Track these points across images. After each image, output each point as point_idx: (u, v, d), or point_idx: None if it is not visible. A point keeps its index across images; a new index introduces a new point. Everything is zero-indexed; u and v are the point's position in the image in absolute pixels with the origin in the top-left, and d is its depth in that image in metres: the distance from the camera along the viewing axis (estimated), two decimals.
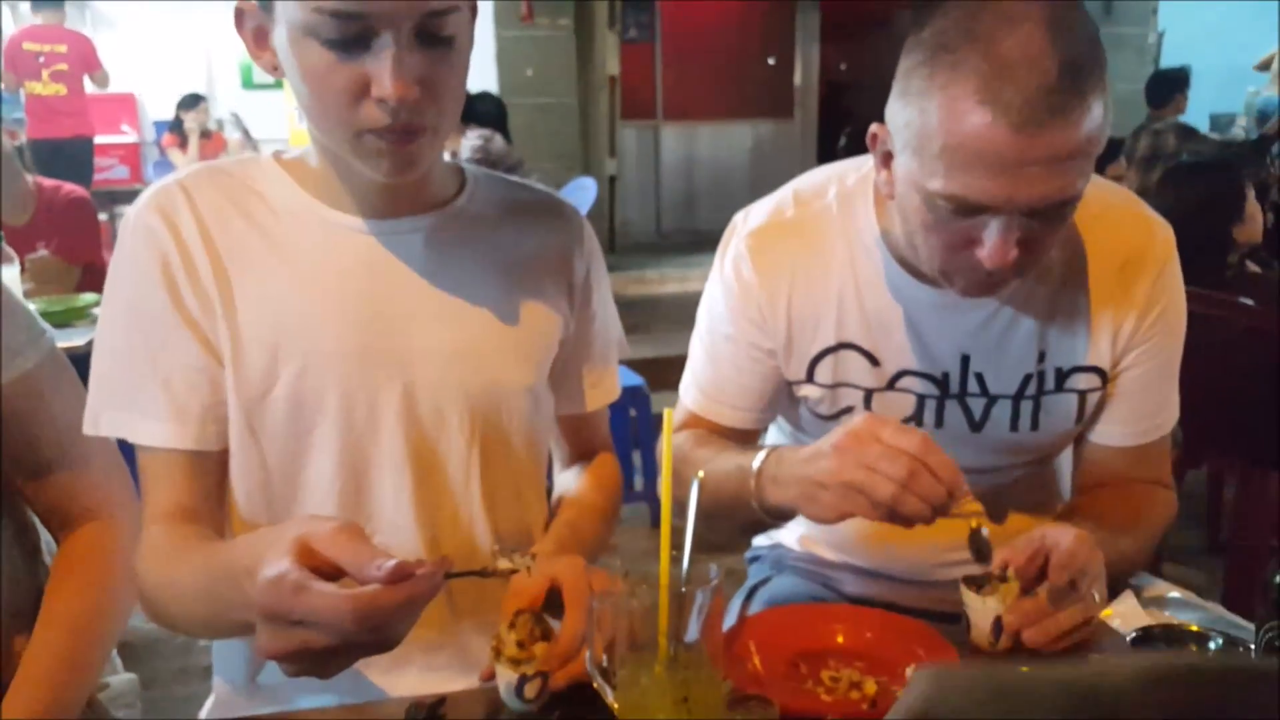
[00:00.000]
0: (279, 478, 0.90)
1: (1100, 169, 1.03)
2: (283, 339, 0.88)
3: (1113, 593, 0.95)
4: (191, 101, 5.99)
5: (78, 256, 2.88)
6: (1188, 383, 1.09)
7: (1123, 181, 4.72)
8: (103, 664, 0.98)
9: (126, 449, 0.92)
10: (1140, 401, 1.07)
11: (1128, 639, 0.90)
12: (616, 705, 0.71)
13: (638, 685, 0.69)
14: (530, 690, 0.77)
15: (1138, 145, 5.06)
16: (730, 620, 1.10)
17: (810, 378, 1.08)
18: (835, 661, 0.89)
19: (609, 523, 1.06)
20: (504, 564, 0.75)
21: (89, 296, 2.68)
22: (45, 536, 1.03)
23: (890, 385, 1.06)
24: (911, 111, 0.86)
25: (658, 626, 0.69)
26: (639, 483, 3.07)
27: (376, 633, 0.63)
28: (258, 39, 0.85)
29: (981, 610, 0.88)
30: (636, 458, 3.02)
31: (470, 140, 4.10)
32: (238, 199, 0.90)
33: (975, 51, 0.81)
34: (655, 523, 2.79)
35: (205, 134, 6.02)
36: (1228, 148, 5.57)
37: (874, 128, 0.94)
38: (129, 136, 6.65)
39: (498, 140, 4.26)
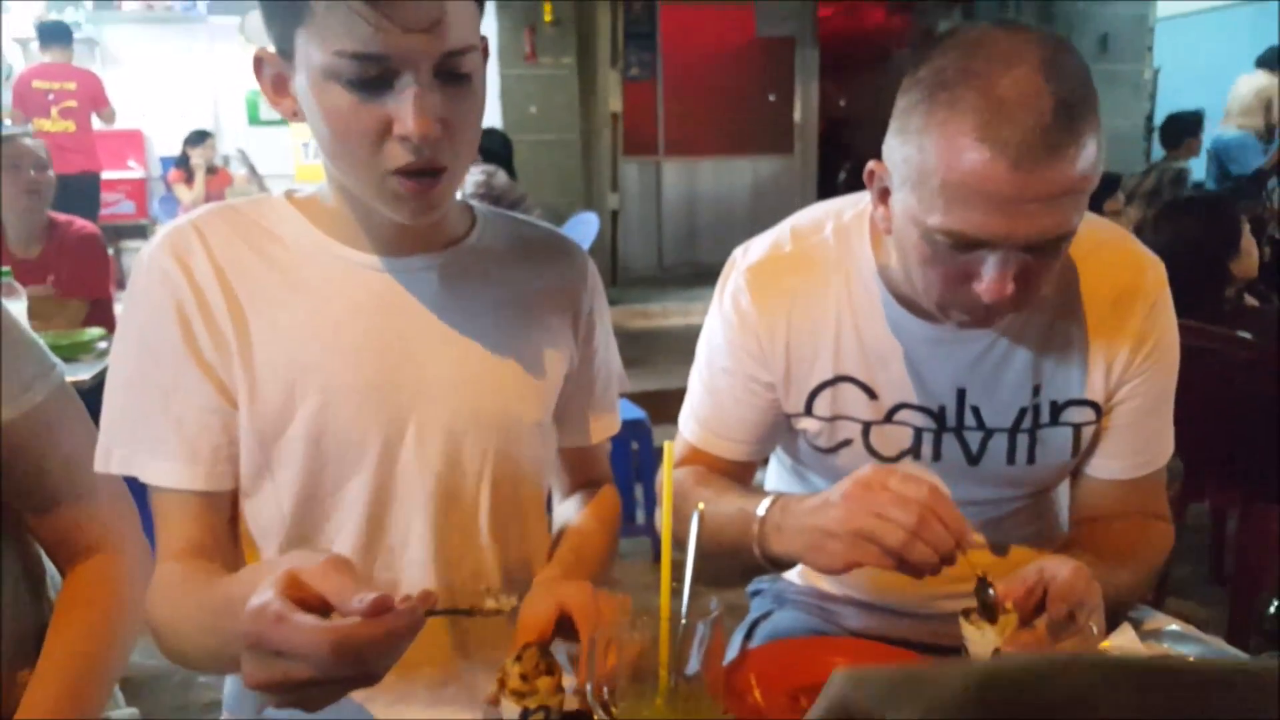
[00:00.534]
0: (296, 515, 0.91)
1: (1097, 204, 1.04)
2: (299, 376, 0.88)
3: (1111, 625, 0.95)
4: (198, 138, 6.06)
5: (86, 291, 2.91)
6: (1187, 416, 1.10)
7: (1120, 216, 4.77)
8: (105, 699, 0.98)
9: (135, 485, 0.93)
10: (1134, 435, 1.08)
11: None
12: None
13: (638, 718, 0.70)
14: None
15: (1144, 182, 5.11)
16: (731, 654, 1.09)
17: (809, 411, 1.09)
18: None
19: (610, 553, 1.07)
20: (490, 604, 0.74)
21: (95, 331, 2.69)
22: (50, 570, 1.04)
23: (888, 418, 1.07)
24: (910, 148, 0.88)
25: (658, 659, 0.70)
26: (640, 516, 3.06)
27: (358, 666, 0.63)
28: (277, 86, 0.86)
29: (980, 642, 0.88)
30: (638, 491, 3.02)
31: (473, 175, 4.14)
32: (251, 238, 0.91)
33: (973, 90, 0.83)
34: (656, 556, 2.78)
35: (211, 170, 6.08)
36: (1225, 180, 5.64)
37: (871, 164, 0.96)
38: (135, 172, 6.73)
39: (500, 175, 4.30)
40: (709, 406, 1.13)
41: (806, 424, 1.10)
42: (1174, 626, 1.07)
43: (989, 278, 0.87)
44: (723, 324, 1.11)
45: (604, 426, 1.10)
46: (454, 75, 0.81)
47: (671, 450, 0.84)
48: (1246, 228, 2.46)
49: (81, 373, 2.31)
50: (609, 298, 1.11)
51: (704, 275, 5.88)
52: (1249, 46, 7.11)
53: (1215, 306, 2.35)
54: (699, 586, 0.74)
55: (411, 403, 0.91)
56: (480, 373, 0.94)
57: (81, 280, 2.91)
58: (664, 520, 0.76)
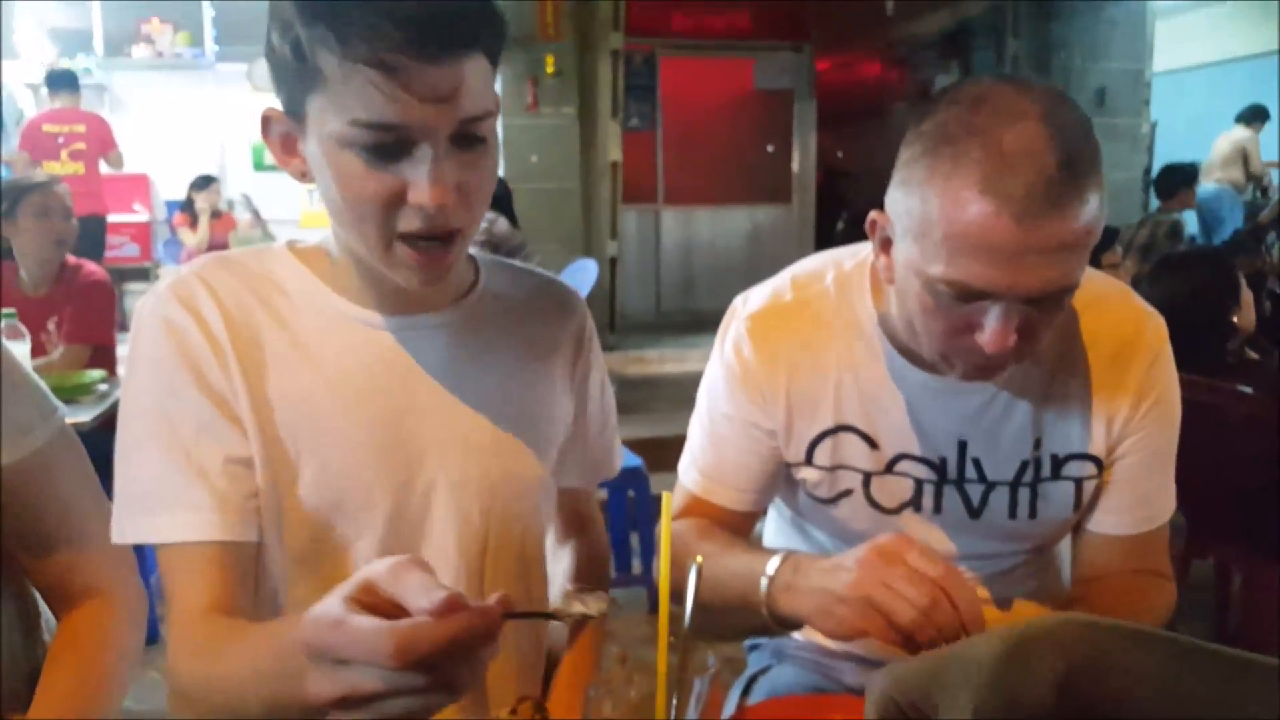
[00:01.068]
0: (299, 576, 0.89)
1: (1095, 257, 1.05)
2: (304, 437, 0.87)
3: None
4: (203, 183, 6.12)
5: (89, 336, 2.91)
6: (1189, 472, 1.09)
7: (1119, 269, 4.79)
8: None
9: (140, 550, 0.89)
10: (1136, 490, 1.07)
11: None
12: None
13: None
14: None
15: (1138, 234, 5.16)
16: (729, 710, 1.07)
17: (809, 460, 1.08)
18: None
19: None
20: (577, 607, 0.66)
21: (96, 373, 2.70)
22: (45, 613, 1.02)
23: (889, 469, 1.06)
24: (913, 200, 0.88)
25: (655, 715, 0.68)
26: (636, 566, 3.02)
27: (429, 674, 0.56)
28: (286, 146, 0.85)
29: None
30: (635, 540, 2.99)
31: None
32: (256, 289, 0.89)
33: (976, 144, 0.83)
34: (653, 607, 2.74)
35: (216, 214, 6.12)
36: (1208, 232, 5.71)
37: (873, 214, 0.96)
38: (141, 215, 6.77)
39: (502, 223, 4.32)
40: (710, 455, 1.13)
41: (807, 473, 1.09)
42: None
43: (991, 329, 0.87)
44: (724, 372, 1.11)
45: (600, 470, 1.11)
46: (470, 138, 0.80)
47: (669, 501, 0.83)
48: (1243, 281, 2.47)
49: (82, 414, 2.31)
50: (607, 344, 1.13)
51: (702, 322, 5.89)
52: (1246, 101, 7.25)
53: (1217, 360, 2.35)
54: (696, 641, 0.73)
55: (418, 463, 0.90)
56: (486, 430, 0.93)
57: (88, 325, 2.91)
58: (662, 574, 0.74)
